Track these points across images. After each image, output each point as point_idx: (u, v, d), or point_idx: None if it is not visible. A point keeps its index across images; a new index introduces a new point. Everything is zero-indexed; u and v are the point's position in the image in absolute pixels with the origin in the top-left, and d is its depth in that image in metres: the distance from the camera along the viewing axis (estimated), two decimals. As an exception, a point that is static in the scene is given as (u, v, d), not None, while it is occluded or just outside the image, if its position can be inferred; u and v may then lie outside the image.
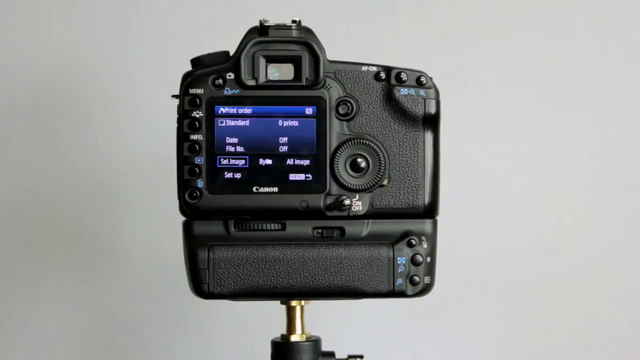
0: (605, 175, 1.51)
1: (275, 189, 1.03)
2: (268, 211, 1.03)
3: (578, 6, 1.51)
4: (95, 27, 1.51)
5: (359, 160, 1.04)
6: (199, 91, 1.03)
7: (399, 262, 1.03)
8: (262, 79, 1.03)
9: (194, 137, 1.03)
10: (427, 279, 1.04)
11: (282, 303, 1.11)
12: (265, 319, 1.36)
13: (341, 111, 1.04)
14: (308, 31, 1.04)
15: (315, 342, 1.10)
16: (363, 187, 1.04)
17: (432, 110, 1.04)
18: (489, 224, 1.51)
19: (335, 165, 1.03)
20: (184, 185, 1.03)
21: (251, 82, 1.03)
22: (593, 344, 1.52)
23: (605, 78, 1.51)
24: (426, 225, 1.05)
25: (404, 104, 1.04)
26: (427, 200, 1.05)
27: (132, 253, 1.52)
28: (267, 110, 1.03)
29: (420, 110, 1.04)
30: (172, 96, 1.05)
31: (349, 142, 1.04)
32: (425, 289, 1.04)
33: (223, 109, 1.03)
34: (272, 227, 1.04)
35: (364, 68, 1.04)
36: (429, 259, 1.04)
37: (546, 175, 1.51)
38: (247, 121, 1.03)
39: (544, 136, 1.51)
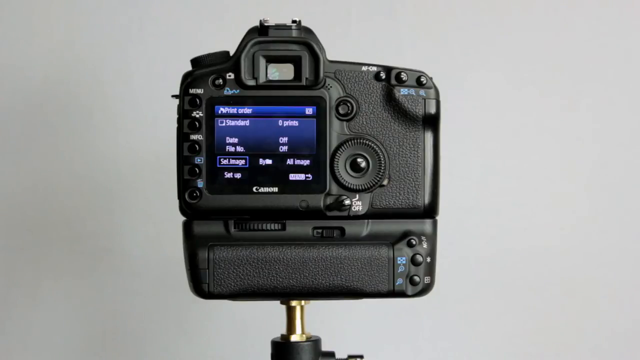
0: (605, 175, 1.51)
1: (275, 189, 1.03)
2: (268, 211, 1.03)
3: (578, 6, 1.51)
4: (95, 27, 1.51)
5: (359, 160, 1.03)
6: (199, 91, 1.03)
7: (399, 262, 1.03)
8: (262, 79, 1.03)
9: (194, 137, 1.03)
10: (427, 279, 1.04)
11: (282, 303, 1.11)
12: (265, 319, 1.36)
13: (341, 111, 1.04)
14: (308, 31, 1.04)
15: (315, 342, 1.10)
16: (363, 187, 1.04)
17: (432, 110, 1.04)
18: (489, 224, 1.51)
19: (335, 165, 1.03)
20: (184, 185, 1.03)
21: (251, 82, 1.03)
22: (593, 343, 1.52)
23: (605, 77, 1.51)
24: (426, 225, 1.05)
25: (404, 104, 1.04)
26: (427, 200, 1.05)
27: (132, 253, 1.52)
28: (267, 110, 1.03)
29: (420, 110, 1.04)
30: (172, 96, 1.05)
31: (349, 142, 1.03)
32: (425, 289, 1.04)
33: (223, 109, 1.03)
34: (272, 227, 1.04)
35: (364, 68, 1.04)
36: (429, 259, 1.04)
37: (546, 175, 1.51)
38: (247, 121, 1.03)
39: (544, 136, 1.51)
